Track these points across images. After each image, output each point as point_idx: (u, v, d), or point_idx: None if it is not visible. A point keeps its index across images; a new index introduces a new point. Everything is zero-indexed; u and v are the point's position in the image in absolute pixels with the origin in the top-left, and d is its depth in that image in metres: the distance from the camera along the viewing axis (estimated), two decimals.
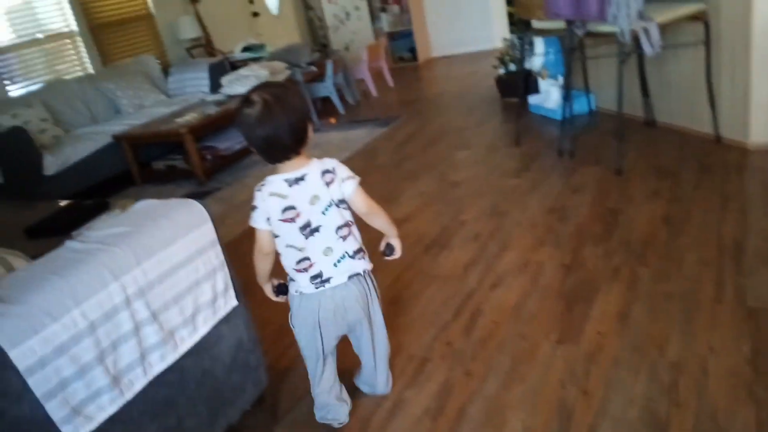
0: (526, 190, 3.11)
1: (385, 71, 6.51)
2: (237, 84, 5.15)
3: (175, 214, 1.49)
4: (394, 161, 4.05)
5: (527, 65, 4.30)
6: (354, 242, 1.67)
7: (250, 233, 1.72)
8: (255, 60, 5.78)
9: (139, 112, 5.20)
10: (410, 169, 3.81)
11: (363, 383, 1.91)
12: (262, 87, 1.52)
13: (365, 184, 1.69)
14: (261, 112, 1.46)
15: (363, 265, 1.68)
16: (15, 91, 4.96)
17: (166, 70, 5.94)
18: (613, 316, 1.99)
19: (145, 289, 1.37)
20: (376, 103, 5.98)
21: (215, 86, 5.50)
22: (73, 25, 5.45)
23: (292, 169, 1.56)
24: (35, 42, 5.19)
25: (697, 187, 2.76)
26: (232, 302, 1.68)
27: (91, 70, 5.54)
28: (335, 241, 1.61)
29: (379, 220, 1.72)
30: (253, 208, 1.60)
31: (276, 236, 1.62)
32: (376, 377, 1.85)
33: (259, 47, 5.93)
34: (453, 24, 7.56)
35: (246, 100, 1.49)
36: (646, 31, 2.73)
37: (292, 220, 1.56)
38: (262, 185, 1.59)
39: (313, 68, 5.71)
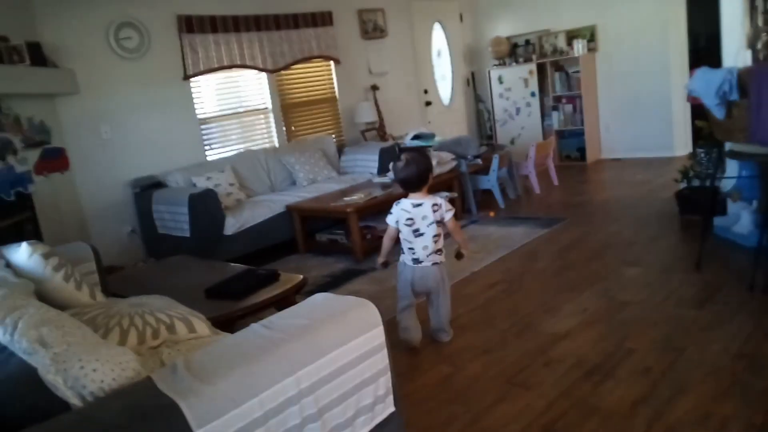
0: (708, 325, 2.79)
1: (551, 170, 6.42)
2: None
3: (351, 314, 1.52)
4: (555, 268, 3.88)
5: (717, 183, 3.98)
6: (439, 245, 2.92)
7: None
8: (424, 148, 5.99)
9: (312, 185, 5.59)
10: (572, 280, 3.62)
11: (434, 333, 3.05)
12: (409, 151, 3.07)
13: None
14: (404, 165, 2.88)
15: (441, 258, 2.94)
16: (212, 155, 5.61)
17: (340, 149, 6.38)
18: None
19: (316, 385, 1.39)
20: (539, 201, 5.87)
21: (383, 169, 5.77)
22: (269, 103, 6.10)
23: (416, 198, 2.90)
24: (235, 115, 5.87)
25: None
26: (390, 408, 1.66)
27: (276, 143, 6.12)
28: (430, 242, 2.88)
29: (458, 237, 3.02)
30: (390, 213, 2.97)
31: (399, 231, 2.92)
32: (438, 331, 3.03)
33: (429, 136, 6.16)
34: (628, 127, 7.32)
35: (399, 157, 2.96)
36: None
37: (409, 225, 2.88)
38: (398, 203, 2.95)
39: (479, 161, 5.79)
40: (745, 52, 3.84)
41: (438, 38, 8.10)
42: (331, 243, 5.00)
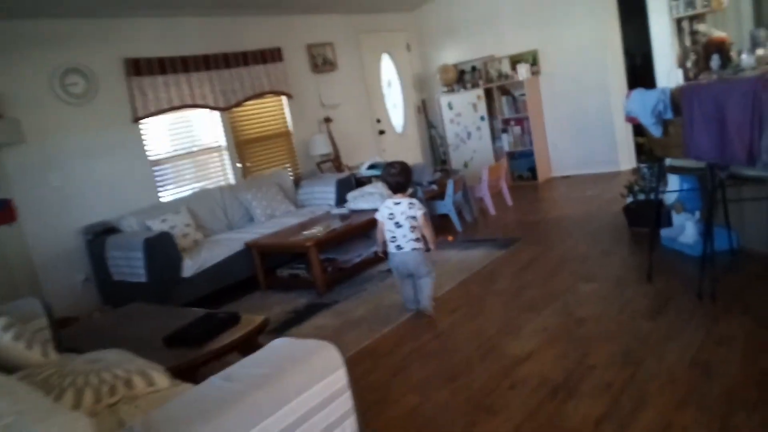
0: (663, 336, 2.89)
1: (504, 191, 6.56)
2: (361, 200, 5.39)
3: (313, 358, 1.52)
4: (514, 288, 3.95)
5: (660, 197, 4.13)
6: (417, 235, 3.68)
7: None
8: (379, 177, 6.06)
9: (270, 221, 5.56)
10: (531, 299, 3.69)
11: (418, 306, 3.82)
12: (399, 163, 3.90)
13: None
14: (397, 172, 3.78)
15: (417, 245, 3.68)
16: (167, 197, 5.52)
17: (297, 183, 6.38)
18: None
19: None
20: (495, 222, 5.98)
21: (341, 200, 5.80)
22: (222, 141, 6.08)
23: (397, 198, 3.75)
24: (188, 154, 5.82)
25: None
26: None
27: (232, 180, 6.08)
28: (408, 232, 3.67)
29: (427, 232, 3.72)
30: (378, 210, 3.84)
31: (383, 225, 3.76)
32: (420, 302, 3.79)
33: (384, 166, 6.22)
34: (574, 145, 7.56)
35: (391, 165, 3.88)
36: None
37: (391, 219, 3.71)
38: (383, 202, 3.84)
39: (434, 187, 5.87)
40: (677, 70, 4.05)
41: (387, 68, 8.25)
42: (293, 278, 4.96)
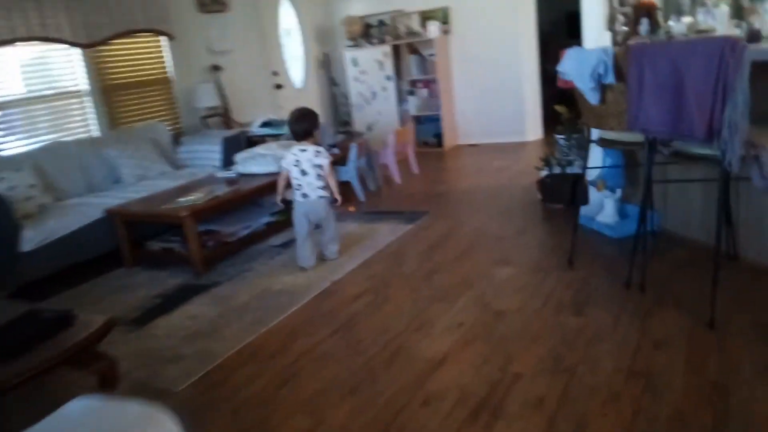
0: (594, 335, 2.52)
1: (410, 157, 6.08)
2: (251, 163, 4.68)
3: None
4: (423, 272, 3.49)
5: (583, 172, 3.80)
6: (321, 183, 3.64)
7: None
8: (274, 137, 5.35)
9: (141, 183, 4.72)
10: (443, 286, 3.24)
11: (323, 253, 3.81)
12: (301, 108, 3.77)
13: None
14: (297, 117, 3.70)
15: (324, 193, 3.65)
16: (12, 149, 4.50)
17: (177, 139, 5.53)
18: None
19: None
20: (400, 192, 5.49)
21: (228, 162, 5.05)
22: (84, 84, 5.07)
23: (302, 145, 3.65)
24: (43, 98, 4.79)
25: None
26: None
27: (96, 132, 5.12)
28: (314, 180, 3.62)
29: (332, 181, 3.68)
30: (283, 157, 3.72)
31: (289, 172, 3.65)
32: (326, 249, 3.80)
33: (280, 124, 5.52)
34: (482, 112, 7.22)
35: (294, 110, 3.75)
36: (757, 159, 2.23)
37: (297, 166, 3.62)
38: (289, 149, 3.71)
39: (336, 150, 5.26)
40: (606, 33, 3.69)
41: (287, 15, 7.42)
42: (166, 253, 4.20)
